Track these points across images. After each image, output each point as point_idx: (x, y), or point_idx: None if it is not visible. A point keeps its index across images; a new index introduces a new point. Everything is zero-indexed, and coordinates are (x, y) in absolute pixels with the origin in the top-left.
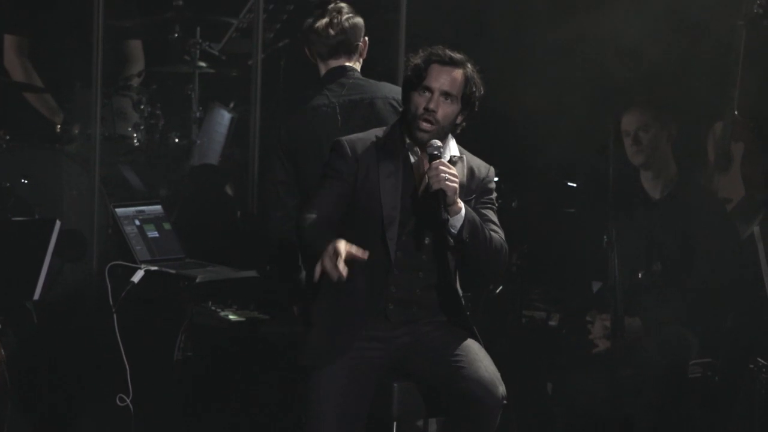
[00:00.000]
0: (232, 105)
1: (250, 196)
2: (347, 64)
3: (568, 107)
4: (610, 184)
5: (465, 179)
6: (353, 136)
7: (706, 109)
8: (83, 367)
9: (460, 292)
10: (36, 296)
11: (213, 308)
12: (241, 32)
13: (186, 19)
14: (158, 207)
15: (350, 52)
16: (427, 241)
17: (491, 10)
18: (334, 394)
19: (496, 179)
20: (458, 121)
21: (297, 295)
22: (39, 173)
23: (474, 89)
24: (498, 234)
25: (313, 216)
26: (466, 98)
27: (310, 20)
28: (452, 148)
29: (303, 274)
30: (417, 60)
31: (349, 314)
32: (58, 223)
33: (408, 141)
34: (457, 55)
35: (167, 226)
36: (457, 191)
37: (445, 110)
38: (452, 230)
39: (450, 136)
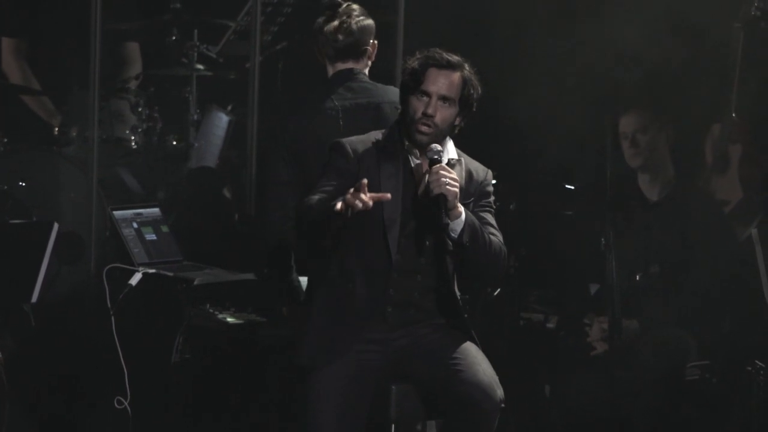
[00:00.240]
0: (229, 108)
1: (248, 199)
2: (355, 67)
3: (565, 109)
4: (608, 186)
5: (463, 182)
6: (353, 138)
7: (703, 111)
8: (81, 370)
9: (459, 295)
10: (34, 299)
11: (211, 311)
12: (238, 35)
13: (183, 22)
14: (156, 210)
15: (358, 55)
16: (427, 244)
17: (491, 12)
18: (333, 396)
19: (494, 181)
20: (456, 122)
21: (288, 296)
22: (37, 176)
23: (472, 91)
24: (497, 237)
25: (315, 197)
26: (464, 100)
27: (320, 20)
28: (450, 150)
29: (295, 275)
30: (414, 63)
31: (348, 316)
32: (55, 226)
33: (407, 143)
34: (454, 58)
35: (165, 228)
36: (458, 196)
37: (443, 114)
38: (452, 234)
39: (448, 138)
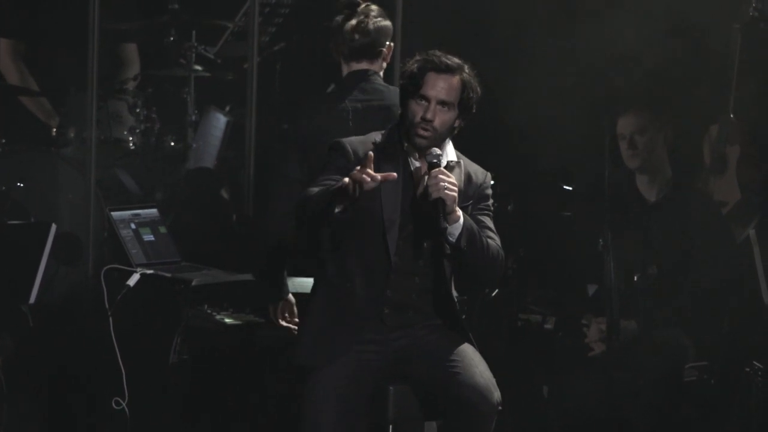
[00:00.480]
0: (227, 108)
1: (246, 200)
2: (369, 68)
3: (565, 110)
4: (606, 187)
5: (462, 185)
6: (353, 138)
7: (702, 112)
8: (79, 371)
9: (456, 297)
10: (32, 300)
11: (209, 311)
12: (236, 36)
13: (182, 23)
14: (154, 210)
15: (374, 56)
16: (425, 246)
17: (491, 12)
18: (332, 396)
19: (492, 182)
20: (456, 125)
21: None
22: (35, 177)
23: (471, 94)
24: (494, 241)
25: (315, 189)
26: (463, 103)
27: (338, 18)
28: (449, 152)
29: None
30: (413, 67)
31: (347, 316)
32: (53, 227)
33: (407, 145)
34: (453, 61)
35: (163, 229)
36: (456, 200)
37: (442, 118)
38: (450, 238)
39: (447, 139)
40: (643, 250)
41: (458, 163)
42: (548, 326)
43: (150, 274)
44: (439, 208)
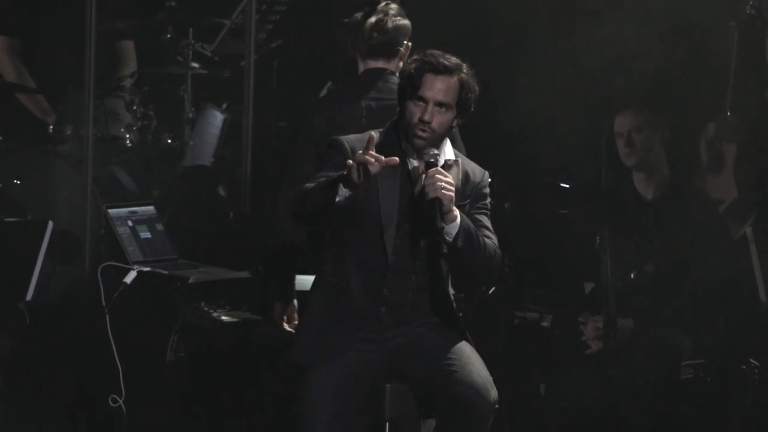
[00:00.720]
0: (224, 106)
1: (243, 197)
2: (386, 66)
3: (564, 110)
4: (603, 185)
5: (460, 183)
6: (351, 136)
7: (698, 110)
8: (76, 368)
9: (452, 296)
10: (29, 297)
11: (206, 309)
12: (233, 33)
13: (179, 20)
14: (151, 208)
15: (391, 55)
16: (422, 245)
17: (491, 12)
18: (329, 395)
19: (489, 180)
20: (454, 125)
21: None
22: (31, 174)
23: (470, 94)
24: (491, 240)
25: (313, 183)
26: (461, 104)
27: (357, 15)
28: (447, 151)
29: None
30: (410, 67)
31: (344, 315)
32: (50, 224)
33: (404, 144)
34: (451, 61)
35: (160, 227)
36: (453, 200)
37: (440, 120)
38: (447, 238)
39: (446, 139)
40: (639, 248)
41: (456, 161)
42: (545, 324)
43: (147, 271)
44: (436, 208)
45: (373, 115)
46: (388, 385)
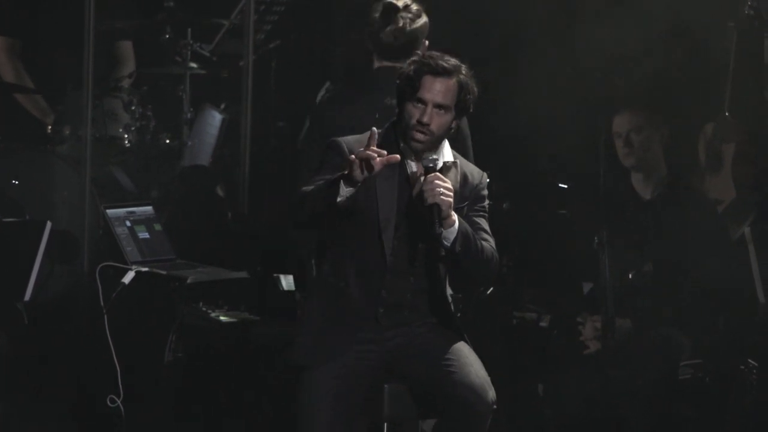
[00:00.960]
0: (223, 106)
1: (241, 197)
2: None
3: (564, 110)
4: (601, 185)
5: (458, 186)
6: (349, 138)
7: (697, 110)
8: (74, 368)
9: (450, 297)
10: (27, 297)
11: (204, 309)
12: (232, 33)
13: (177, 21)
14: (149, 208)
15: (407, 55)
16: (420, 246)
17: (490, 12)
18: (328, 395)
19: (487, 181)
20: (453, 126)
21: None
22: (30, 174)
23: (468, 96)
24: (489, 243)
25: (311, 187)
26: (460, 105)
27: (376, 14)
28: (446, 153)
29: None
30: (409, 69)
31: (342, 316)
32: (48, 225)
33: (403, 145)
34: (450, 63)
35: (158, 227)
36: (452, 205)
37: (438, 121)
38: (445, 243)
39: (445, 140)
40: (638, 248)
41: (454, 163)
42: (543, 324)
43: (145, 271)
44: (434, 214)
45: (386, 113)
46: (386, 386)
